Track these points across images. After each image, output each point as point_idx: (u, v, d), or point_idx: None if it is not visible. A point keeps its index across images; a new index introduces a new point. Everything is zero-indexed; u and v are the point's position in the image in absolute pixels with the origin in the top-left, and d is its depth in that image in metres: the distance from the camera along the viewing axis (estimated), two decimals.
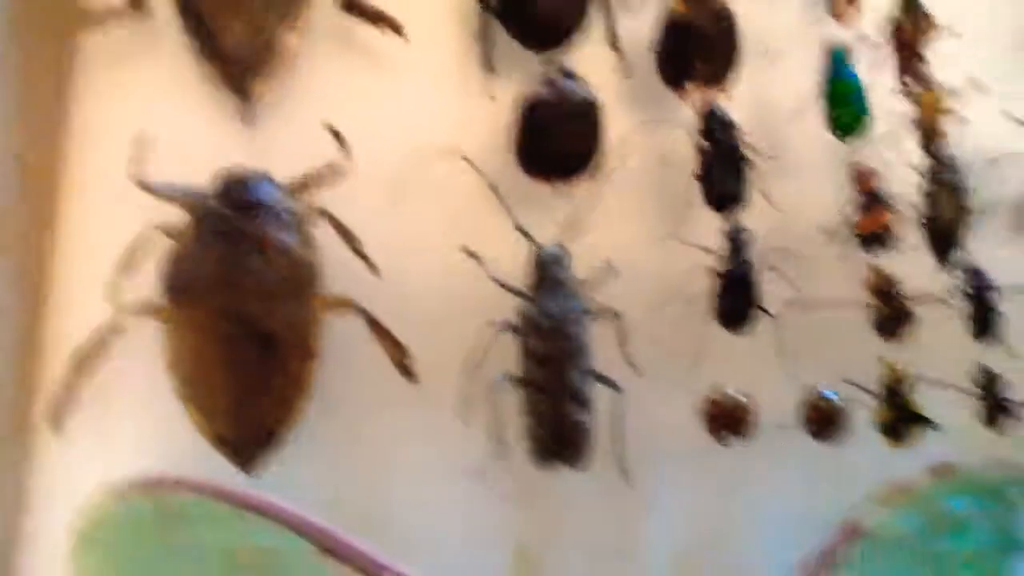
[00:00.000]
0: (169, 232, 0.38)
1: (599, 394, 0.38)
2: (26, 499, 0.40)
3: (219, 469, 0.37)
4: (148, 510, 0.37)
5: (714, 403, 0.38)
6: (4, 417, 0.40)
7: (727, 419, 0.38)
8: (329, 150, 0.39)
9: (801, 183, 0.41)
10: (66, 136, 0.42)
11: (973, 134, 0.41)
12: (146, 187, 0.38)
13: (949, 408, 0.41)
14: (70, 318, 0.40)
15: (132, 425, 0.39)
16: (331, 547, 0.36)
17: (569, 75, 0.40)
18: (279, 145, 0.41)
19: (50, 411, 0.38)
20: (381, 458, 0.40)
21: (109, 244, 0.39)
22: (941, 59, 0.42)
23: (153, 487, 0.37)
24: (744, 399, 0.38)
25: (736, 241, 0.39)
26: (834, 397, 0.39)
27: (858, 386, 0.40)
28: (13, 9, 0.40)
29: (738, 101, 0.42)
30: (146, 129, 0.41)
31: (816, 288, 0.40)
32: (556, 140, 0.40)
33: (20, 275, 0.41)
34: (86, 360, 0.38)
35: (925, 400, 0.41)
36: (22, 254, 0.41)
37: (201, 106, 0.41)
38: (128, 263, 0.38)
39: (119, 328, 0.38)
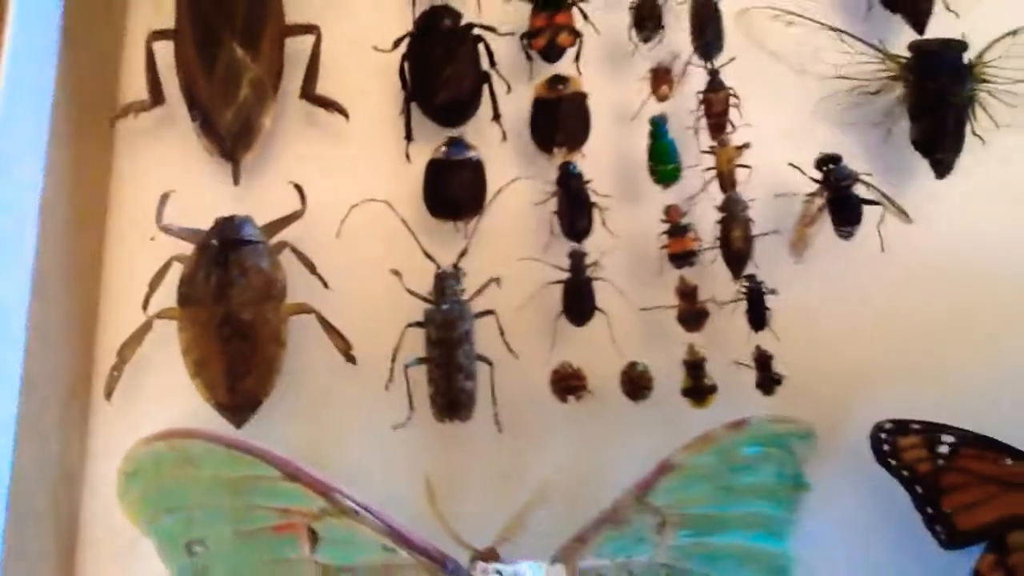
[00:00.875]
0: (182, 260, 0.48)
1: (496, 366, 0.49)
2: (88, 448, 0.50)
3: (218, 425, 0.47)
4: (169, 454, 0.45)
5: (555, 372, 0.48)
6: (74, 389, 0.49)
7: (566, 383, 0.48)
8: (293, 200, 0.50)
9: (636, 216, 0.52)
10: (110, 193, 0.53)
11: (761, 177, 0.51)
12: (166, 230, 0.49)
13: (746, 380, 0.50)
14: (117, 321, 0.51)
15: (158, 394, 0.49)
16: (294, 473, 0.44)
17: (458, 142, 0.51)
18: (258, 197, 0.51)
19: (104, 385, 0.49)
20: (331, 417, 0.49)
21: (143, 270, 0.50)
22: (747, 118, 0.52)
23: (171, 437, 0.45)
24: (576, 369, 0.48)
25: (576, 260, 0.49)
26: (642, 366, 0.48)
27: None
28: (70, 101, 0.49)
29: (591, 158, 0.52)
30: (166, 187, 0.50)
31: (644, 292, 0.51)
32: (451, 190, 0.50)
33: (81, 292, 0.51)
34: (127, 349, 0.48)
35: (725, 376, 0.49)
36: (82, 275, 0.51)
37: (203, 170, 0.52)
38: (155, 283, 0.49)
39: (149, 327, 0.48)
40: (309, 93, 0.52)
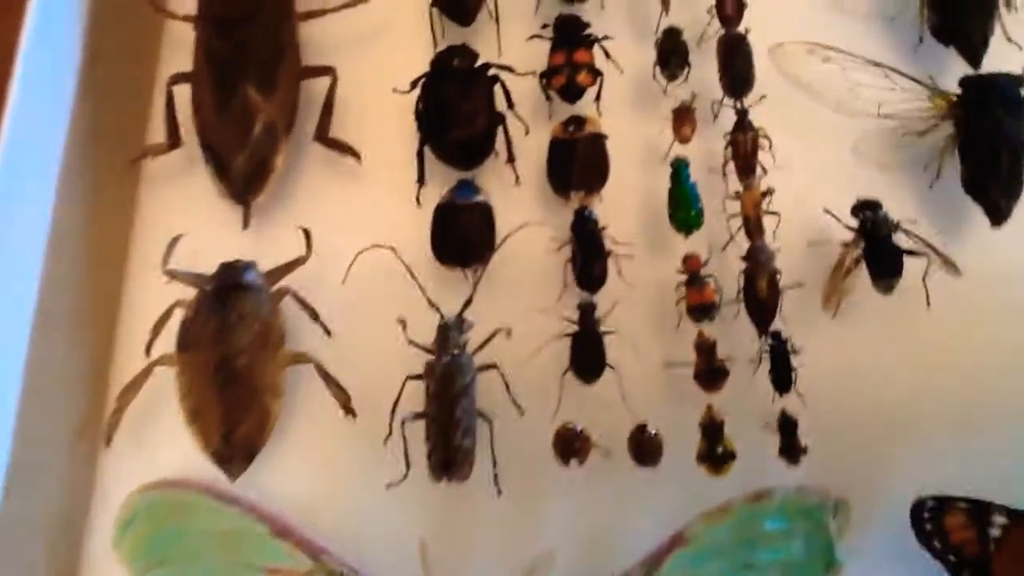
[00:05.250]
0: (184, 305, 0.48)
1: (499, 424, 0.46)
2: (93, 494, 0.49)
3: (212, 475, 0.46)
4: (163, 504, 0.45)
5: (557, 433, 0.45)
6: (80, 434, 0.49)
7: (567, 445, 0.45)
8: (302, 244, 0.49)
9: (655, 265, 0.49)
10: (131, 235, 0.53)
11: (793, 224, 0.48)
12: (172, 274, 0.48)
13: (771, 447, 0.46)
14: (132, 365, 0.49)
15: (168, 441, 0.48)
16: (284, 531, 0.44)
17: (465, 186, 0.50)
18: (270, 242, 0.51)
19: (104, 430, 0.48)
20: (328, 472, 0.48)
21: (159, 314, 0.49)
22: (779, 161, 0.49)
23: (167, 487, 0.45)
24: (579, 430, 0.45)
25: (585, 311, 0.47)
26: (652, 430, 0.45)
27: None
28: (90, 143, 0.49)
29: (610, 203, 0.49)
30: (184, 230, 0.50)
31: (660, 347, 0.48)
32: (457, 235, 0.49)
33: (93, 333, 0.51)
34: (126, 395, 0.47)
35: (747, 442, 0.46)
36: (94, 318, 0.51)
37: (218, 213, 0.51)
38: (158, 327, 0.48)
39: (149, 372, 0.47)
40: (323, 136, 0.51)
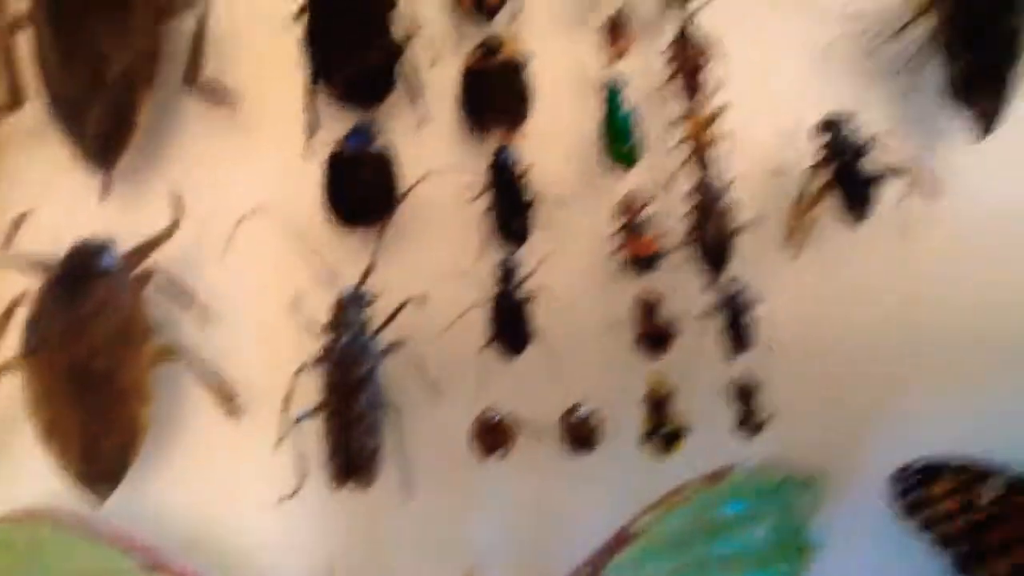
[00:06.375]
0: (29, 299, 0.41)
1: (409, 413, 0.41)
2: None
3: (74, 500, 0.40)
4: (16, 538, 0.40)
5: (476, 421, 0.40)
6: None
7: (487, 436, 0.40)
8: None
9: (590, 211, 0.43)
10: None
11: (748, 150, 0.42)
12: (8, 261, 0.41)
13: (728, 418, 0.41)
14: None
15: (7, 464, 0.43)
16: (159, 564, 0.39)
17: (359, 132, 0.42)
18: (136, 212, 0.44)
19: None
20: (212, 486, 0.42)
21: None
22: (730, 76, 0.42)
23: (14, 520, 0.40)
24: (499, 419, 0.40)
25: (505, 272, 0.40)
26: (583, 411, 0.40)
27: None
28: None
29: (534, 139, 0.43)
30: (28, 203, 0.43)
31: (596, 309, 0.42)
32: (353, 191, 0.42)
33: None
34: None
35: (699, 414, 0.41)
36: None
37: (71, 181, 0.44)
38: None
39: None
40: (192, 79, 0.44)
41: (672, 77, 0.43)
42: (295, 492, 0.40)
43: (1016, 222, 0.43)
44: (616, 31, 0.43)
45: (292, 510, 0.41)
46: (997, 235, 0.43)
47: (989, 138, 0.42)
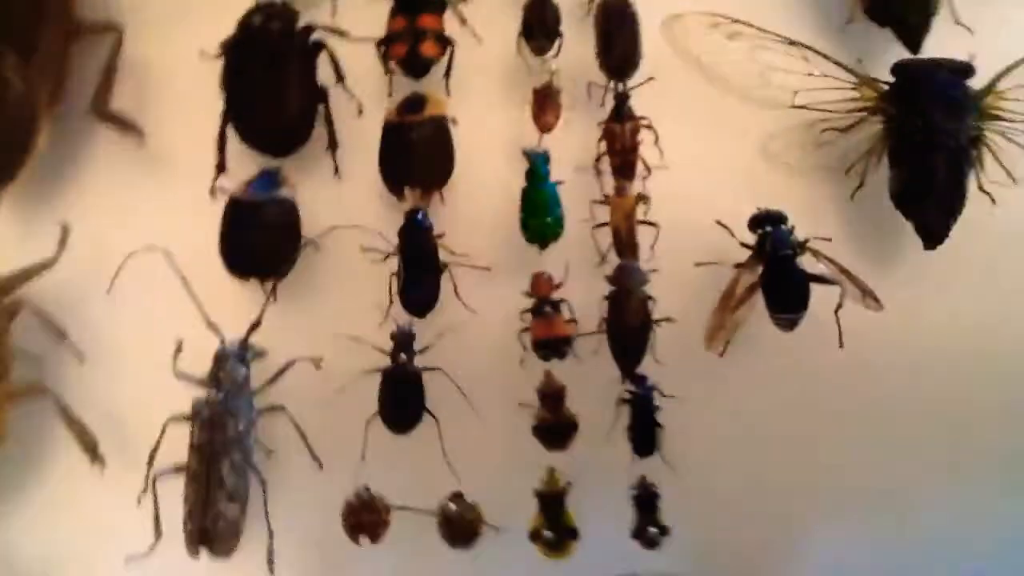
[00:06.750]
0: None
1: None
2: None
3: None
4: None
5: (348, 503, 0.37)
6: None
7: (357, 518, 0.37)
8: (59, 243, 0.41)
9: (504, 285, 0.40)
10: None
11: (678, 239, 0.40)
12: None
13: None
14: None
15: None
16: None
17: (265, 177, 0.40)
18: (25, 239, 0.42)
19: None
20: (70, 539, 0.40)
21: None
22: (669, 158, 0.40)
23: None
24: (372, 498, 0.37)
25: (400, 342, 0.38)
26: (464, 503, 0.37)
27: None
28: None
29: (453, 204, 0.41)
30: None
31: (496, 392, 0.39)
32: (250, 239, 0.40)
33: None
34: None
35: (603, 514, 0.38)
36: None
37: None
38: None
39: None
40: (100, 108, 0.43)
41: (603, 155, 0.40)
42: (146, 554, 0.38)
43: (960, 340, 0.41)
44: (544, 101, 0.41)
45: (146, 572, 0.38)
46: (941, 355, 0.40)
47: (939, 251, 0.40)
